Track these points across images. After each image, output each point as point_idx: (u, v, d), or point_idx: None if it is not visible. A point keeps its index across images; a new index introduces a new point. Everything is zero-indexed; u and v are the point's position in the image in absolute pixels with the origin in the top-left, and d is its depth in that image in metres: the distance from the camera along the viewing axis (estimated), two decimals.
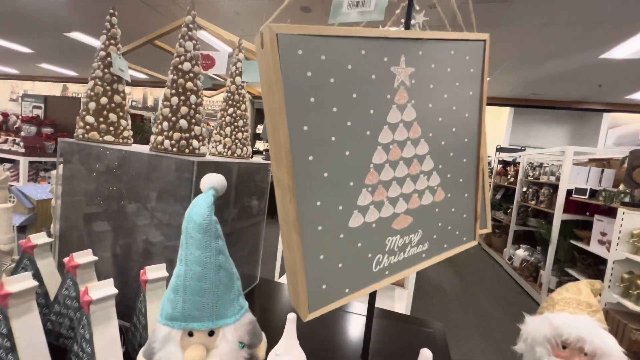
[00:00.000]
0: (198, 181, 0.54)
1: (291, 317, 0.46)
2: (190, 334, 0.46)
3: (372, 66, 0.43)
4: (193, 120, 0.78)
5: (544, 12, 3.31)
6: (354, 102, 0.42)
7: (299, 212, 0.40)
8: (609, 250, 2.53)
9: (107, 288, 0.54)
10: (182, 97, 0.75)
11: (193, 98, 0.77)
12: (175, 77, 0.76)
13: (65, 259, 0.66)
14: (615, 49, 3.82)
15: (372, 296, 0.73)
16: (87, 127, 0.82)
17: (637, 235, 2.38)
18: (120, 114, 0.86)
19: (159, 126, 0.76)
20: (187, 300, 0.45)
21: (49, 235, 0.76)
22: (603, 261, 2.61)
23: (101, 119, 0.82)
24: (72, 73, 9.33)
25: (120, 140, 0.86)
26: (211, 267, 0.46)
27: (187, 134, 0.77)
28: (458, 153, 0.53)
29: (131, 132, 0.90)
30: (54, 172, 0.97)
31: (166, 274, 0.67)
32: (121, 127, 0.86)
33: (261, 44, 0.35)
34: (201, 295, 0.45)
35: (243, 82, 0.98)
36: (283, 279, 2.61)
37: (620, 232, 2.44)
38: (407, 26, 0.67)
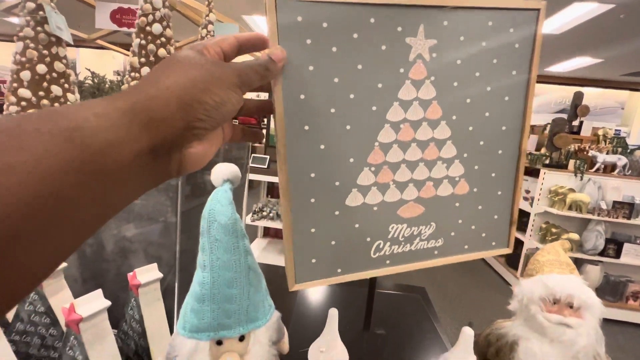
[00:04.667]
0: None
1: (332, 313, 0.44)
2: (219, 342, 0.42)
3: (383, 36, 0.39)
4: None
5: None
6: (359, 73, 0.39)
7: (291, 181, 0.38)
8: (531, 205, 2.96)
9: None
10: None
11: None
12: (143, 41, 0.62)
13: None
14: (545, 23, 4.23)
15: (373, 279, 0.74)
16: (23, 102, 0.64)
17: (554, 192, 2.81)
18: (66, 85, 0.69)
19: None
20: (215, 309, 0.40)
21: None
22: (526, 214, 3.05)
23: (41, 93, 0.65)
24: None
25: None
26: (241, 270, 0.41)
27: None
28: (491, 142, 0.46)
29: None
30: None
31: (159, 274, 0.59)
32: (69, 103, 0.70)
33: (266, 11, 0.35)
34: (231, 302, 0.41)
35: None
36: None
37: (541, 189, 2.85)
38: None
